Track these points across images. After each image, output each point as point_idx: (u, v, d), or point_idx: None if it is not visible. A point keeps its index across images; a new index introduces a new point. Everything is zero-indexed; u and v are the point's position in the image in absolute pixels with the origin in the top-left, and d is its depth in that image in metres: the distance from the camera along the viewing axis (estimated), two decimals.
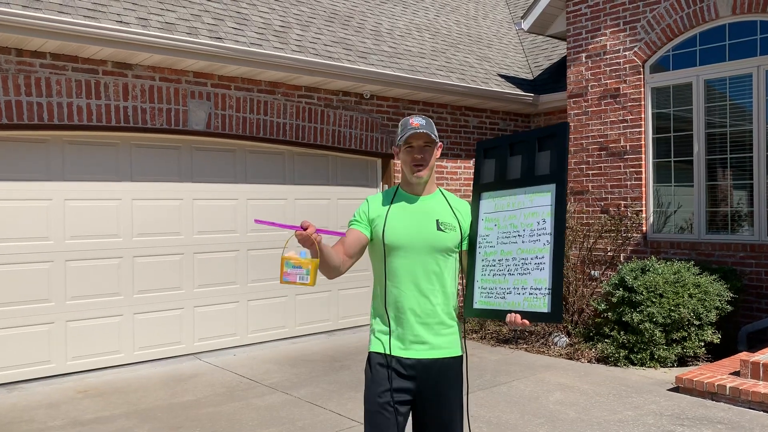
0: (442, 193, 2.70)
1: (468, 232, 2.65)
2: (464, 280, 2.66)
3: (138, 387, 5.64)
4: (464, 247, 2.66)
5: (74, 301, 6.03)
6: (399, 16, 9.80)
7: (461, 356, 2.63)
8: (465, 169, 8.88)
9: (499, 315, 2.49)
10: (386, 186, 8.17)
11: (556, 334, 7.05)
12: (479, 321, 7.79)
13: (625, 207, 7.60)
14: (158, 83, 6.30)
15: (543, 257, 2.39)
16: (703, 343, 6.06)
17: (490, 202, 2.61)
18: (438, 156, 2.66)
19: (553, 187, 2.42)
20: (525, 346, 7.02)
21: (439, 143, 2.64)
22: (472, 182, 8.90)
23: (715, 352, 6.35)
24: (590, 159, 7.94)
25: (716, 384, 5.04)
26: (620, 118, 7.67)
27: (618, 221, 7.48)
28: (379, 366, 2.56)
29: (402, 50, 8.44)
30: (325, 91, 7.52)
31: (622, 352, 6.15)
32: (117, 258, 6.28)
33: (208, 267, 6.87)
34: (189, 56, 6.07)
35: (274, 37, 6.96)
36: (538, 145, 2.51)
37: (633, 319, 6.04)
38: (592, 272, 7.51)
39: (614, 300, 6.34)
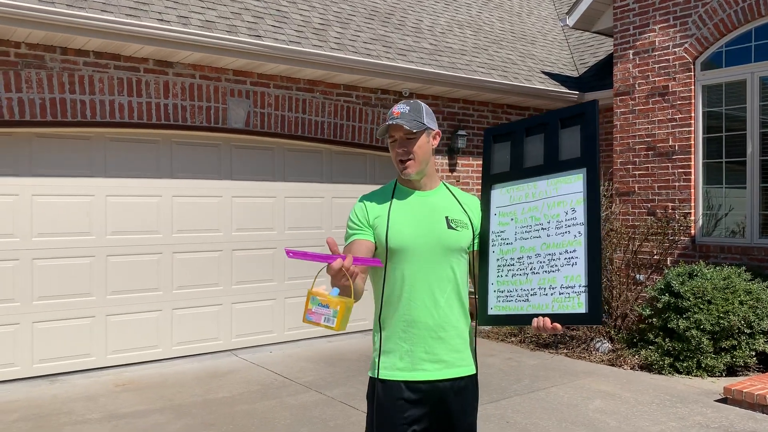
0: (447, 188, 2.37)
1: (479, 229, 2.32)
2: (475, 285, 2.32)
3: (174, 382, 5.70)
4: (475, 246, 2.33)
5: (114, 296, 6.13)
6: (440, 13, 9.68)
7: (476, 374, 2.33)
8: None
9: (521, 320, 2.16)
10: None
11: (598, 339, 6.84)
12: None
13: (672, 209, 7.33)
14: (198, 81, 6.34)
15: (575, 251, 2.08)
16: (754, 353, 5.78)
17: (503, 195, 2.28)
18: (435, 144, 2.30)
19: (583, 171, 2.10)
20: (565, 351, 6.84)
21: (435, 130, 2.28)
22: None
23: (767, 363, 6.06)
24: (637, 159, 7.69)
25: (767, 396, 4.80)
26: (669, 116, 7.40)
27: (665, 224, 7.22)
28: (387, 395, 2.21)
29: (443, 47, 8.32)
30: (363, 89, 7.47)
31: (667, 360, 5.92)
32: (157, 254, 6.36)
33: (246, 264, 6.89)
34: (228, 54, 6.09)
35: (313, 35, 6.94)
36: (561, 127, 2.19)
37: (679, 326, 5.81)
38: (637, 276, 7.26)
39: (660, 305, 6.11)
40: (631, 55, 7.76)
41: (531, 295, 2.14)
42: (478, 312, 2.29)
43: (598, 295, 2.02)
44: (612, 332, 6.95)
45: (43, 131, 5.75)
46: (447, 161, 8.14)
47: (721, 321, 5.66)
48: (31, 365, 5.73)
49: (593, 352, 6.65)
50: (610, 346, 6.73)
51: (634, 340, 6.56)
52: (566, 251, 2.10)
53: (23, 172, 5.69)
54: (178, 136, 6.45)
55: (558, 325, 2.07)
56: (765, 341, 5.77)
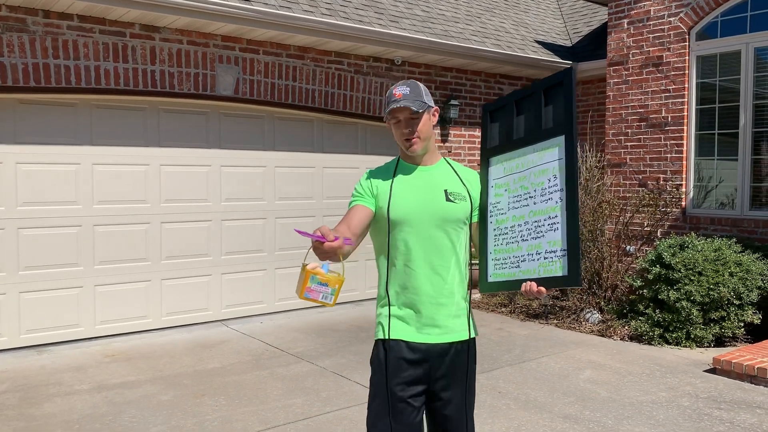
0: (448, 162, 2.49)
1: (478, 201, 2.44)
2: (477, 254, 2.43)
3: (164, 353, 5.66)
4: (475, 218, 2.44)
5: (102, 266, 6.05)
6: None
7: (475, 338, 2.45)
8: None
9: (514, 285, 2.27)
10: None
11: (588, 310, 6.87)
12: (508, 294, 7.65)
13: (664, 181, 7.32)
14: (186, 47, 6.19)
15: (556, 216, 2.16)
16: (742, 324, 5.83)
17: (498, 167, 2.40)
18: (435, 121, 2.42)
19: (561, 139, 2.18)
20: (555, 321, 6.87)
21: (434, 107, 2.40)
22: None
23: (756, 334, 6.12)
24: (629, 130, 7.64)
25: (756, 366, 4.84)
26: (662, 87, 7.34)
27: (656, 195, 7.22)
28: (390, 356, 2.33)
29: (435, 14, 8.17)
30: (355, 57, 7.33)
31: (657, 331, 5.96)
32: (145, 224, 6.27)
33: (236, 235, 6.82)
34: (217, 19, 5.93)
35: (304, 0, 6.77)
36: (544, 97, 2.28)
37: (669, 297, 5.83)
38: (628, 248, 7.28)
39: (650, 277, 6.13)
40: (625, 25, 7.66)
41: (521, 261, 2.26)
42: (480, 280, 2.39)
43: (577, 258, 2.09)
44: (602, 303, 6.98)
45: (27, 97, 5.60)
46: (439, 131, 8.06)
47: (711, 292, 5.69)
48: (19, 336, 5.66)
49: (583, 323, 6.69)
50: (600, 316, 6.76)
51: (624, 311, 6.60)
52: (549, 217, 2.19)
53: (6, 139, 5.55)
54: (165, 104, 6.31)
55: (543, 289, 2.17)
56: (753, 312, 5.82)
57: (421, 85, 2.39)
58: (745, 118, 6.74)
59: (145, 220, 6.26)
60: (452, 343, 2.37)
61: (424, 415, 2.42)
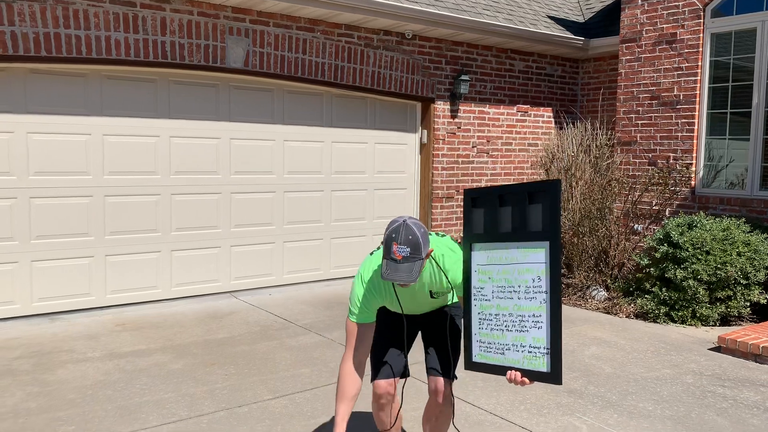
0: (434, 262, 2.61)
1: (459, 282, 2.61)
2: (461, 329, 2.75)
3: (174, 323, 5.73)
4: (459, 293, 2.65)
5: (113, 236, 6.10)
6: None
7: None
8: (508, 115, 8.60)
9: (498, 371, 2.46)
10: (425, 131, 7.97)
11: (594, 287, 6.90)
12: None
13: (674, 160, 7.29)
14: (196, 18, 6.16)
15: (540, 315, 2.35)
16: (748, 304, 5.85)
17: (482, 254, 2.52)
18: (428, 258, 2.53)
19: (546, 244, 2.34)
20: (562, 298, 6.90)
21: (429, 250, 2.47)
22: (510, 137, 8.66)
23: (762, 313, 6.14)
24: (640, 108, 7.59)
25: (761, 345, 4.87)
26: (675, 65, 7.27)
27: (666, 174, 7.19)
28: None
29: None
30: (365, 30, 7.28)
31: (663, 309, 5.99)
32: (155, 195, 6.30)
33: (245, 208, 6.86)
34: None
35: None
36: (529, 199, 2.42)
37: (676, 276, 5.85)
38: (636, 226, 7.28)
39: (657, 255, 6.14)
40: (639, 1, 7.57)
41: (506, 349, 2.44)
42: (465, 358, 2.57)
43: (559, 358, 2.30)
44: (608, 281, 7.00)
45: (38, 66, 5.60)
46: (449, 107, 8.03)
47: (719, 272, 5.70)
48: (31, 303, 5.75)
49: (589, 300, 6.72)
50: (606, 294, 6.79)
51: (631, 289, 6.62)
52: (533, 315, 2.37)
53: (18, 109, 5.57)
54: (175, 75, 6.30)
55: (527, 380, 2.37)
56: (760, 292, 5.83)
57: (420, 233, 2.42)
58: (759, 97, 6.68)
59: (155, 192, 6.30)
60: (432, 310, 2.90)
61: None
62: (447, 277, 2.62)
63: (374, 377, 2.84)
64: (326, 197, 7.38)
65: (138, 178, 6.19)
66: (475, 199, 2.59)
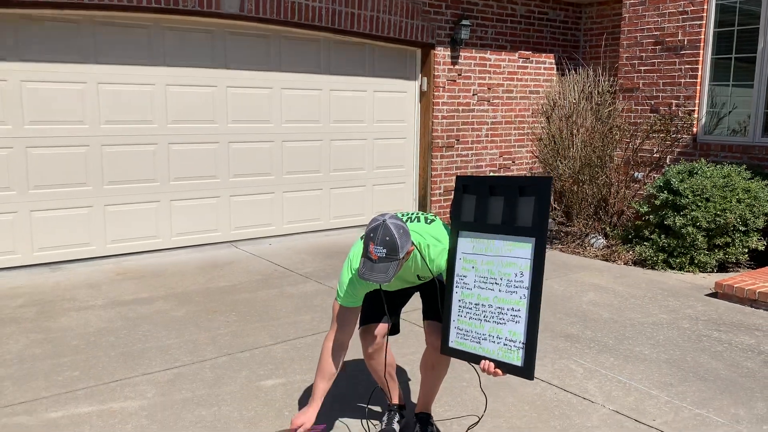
0: (418, 252, 2.59)
1: (443, 267, 2.64)
2: (441, 313, 2.67)
3: (175, 271, 5.77)
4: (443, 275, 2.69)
5: (111, 186, 6.08)
6: None
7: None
8: (509, 62, 8.46)
9: (473, 359, 2.52)
10: (425, 79, 7.85)
11: (593, 235, 6.92)
12: None
13: (676, 106, 7.20)
14: None
15: (519, 310, 2.39)
16: (747, 250, 5.88)
17: (468, 242, 2.55)
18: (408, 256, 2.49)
19: (533, 241, 2.37)
20: (560, 246, 6.93)
21: (410, 249, 2.44)
22: (511, 84, 8.52)
23: (759, 260, 6.18)
24: (643, 54, 7.46)
25: (757, 291, 4.92)
26: (680, 9, 7.11)
27: (668, 121, 7.13)
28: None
29: None
30: None
31: (661, 256, 6.02)
32: (152, 144, 6.25)
33: (243, 157, 6.81)
34: None
35: None
36: (520, 194, 2.43)
37: (675, 223, 5.86)
38: (636, 174, 7.25)
39: (657, 203, 6.14)
40: None
41: (482, 339, 2.49)
42: (441, 341, 2.63)
43: (533, 353, 2.37)
44: (607, 229, 7.02)
45: (29, 12, 5.48)
46: (449, 53, 7.89)
47: (718, 218, 5.70)
48: (32, 253, 5.77)
49: (588, 248, 6.75)
50: (604, 242, 6.82)
51: (629, 236, 6.65)
52: (512, 309, 2.41)
53: (10, 56, 5.47)
54: (170, 21, 6.17)
55: (499, 371, 2.43)
56: (758, 239, 5.85)
57: (397, 233, 2.37)
58: (764, 42, 6.56)
59: (152, 141, 6.25)
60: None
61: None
62: (429, 265, 2.63)
63: (361, 325, 2.86)
64: (325, 147, 7.33)
65: (134, 127, 6.13)
66: (466, 185, 2.61)
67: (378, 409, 3.25)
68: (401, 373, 3.60)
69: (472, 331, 2.52)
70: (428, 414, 2.99)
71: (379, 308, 2.83)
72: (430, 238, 2.61)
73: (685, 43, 7.10)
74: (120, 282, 5.43)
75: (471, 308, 2.53)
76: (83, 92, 5.83)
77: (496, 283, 2.46)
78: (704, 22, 6.94)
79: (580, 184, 7.09)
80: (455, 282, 2.58)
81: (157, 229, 6.38)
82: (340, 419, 3.13)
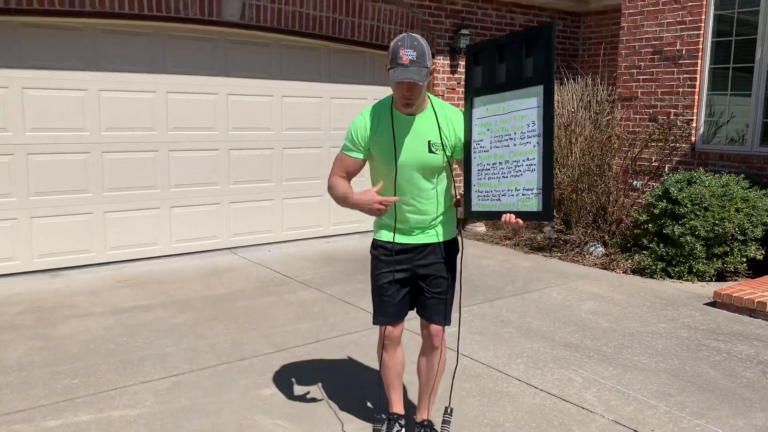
0: (433, 108, 2.69)
1: (462, 140, 2.70)
2: (462, 186, 2.75)
3: (174, 278, 5.78)
4: (459, 155, 2.74)
5: (111, 193, 6.10)
6: None
7: (455, 238, 2.86)
8: None
9: (496, 216, 2.60)
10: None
11: (592, 243, 6.93)
12: (513, 228, 7.70)
13: (675, 115, 7.23)
14: None
15: (533, 159, 2.45)
16: (745, 259, 5.89)
17: (482, 108, 2.64)
18: (430, 77, 2.62)
19: (540, 88, 2.41)
20: (559, 254, 6.95)
21: (433, 66, 2.59)
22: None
23: (757, 269, 6.18)
24: (642, 63, 7.50)
25: (756, 300, 4.93)
26: (678, 19, 7.15)
27: (666, 130, 7.15)
28: (381, 248, 2.84)
29: None
30: None
31: (660, 265, 6.03)
32: (153, 151, 6.27)
33: (243, 164, 6.83)
34: None
35: None
36: (525, 47, 2.47)
37: (674, 232, 5.87)
38: (635, 183, 7.27)
39: (656, 211, 6.16)
40: None
41: (502, 195, 2.58)
42: (464, 208, 2.75)
43: (549, 196, 2.43)
44: (606, 237, 7.03)
45: (31, 20, 5.50)
46: (449, 62, 7.93)
47: (716, 228, 5.72)
48: (31, 260, 5.78)
49: (587, 256, 6.77)
50: (603, 250, 6.83)
51: (628, 245, 6.66)
52: (527, 159, 2.47)
53: (13, 63, 5.50)
54: (171, 29, 6.20)
55: (521, 221, 2.52)
56: (756, 248, 5.87)
57: (425, 44, 2.51)
58: (762, 52, 6.59)
59: (153, 148, 6.27)
60: (431, 243, 2.81)
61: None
62: (444, 126, 2.67)
63: (381, 323, 2.94)
64: (325, 154, 7.35)
65: (135, 134, 6.15)
66: (476, 54, 2.68)
67: (371, 407, 3.26)
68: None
69: (492, 190, 2.61)
70: (431, 421, 3.01)
71: (402, 305, 2.90)
72: (446, 104, 2.77)
73: (684, 52, 7.13)
74: (120, 289, 5.43)
75: (489, 169, 2.61)
76: (84, 99, 5.85)
77: (510, 138, 2.52)
78: (702, 32, 6.98)
79: (579, 193, 7.11)
80: (473, 149, 2.67)
81: (157, 236, 6.39)
82: None
